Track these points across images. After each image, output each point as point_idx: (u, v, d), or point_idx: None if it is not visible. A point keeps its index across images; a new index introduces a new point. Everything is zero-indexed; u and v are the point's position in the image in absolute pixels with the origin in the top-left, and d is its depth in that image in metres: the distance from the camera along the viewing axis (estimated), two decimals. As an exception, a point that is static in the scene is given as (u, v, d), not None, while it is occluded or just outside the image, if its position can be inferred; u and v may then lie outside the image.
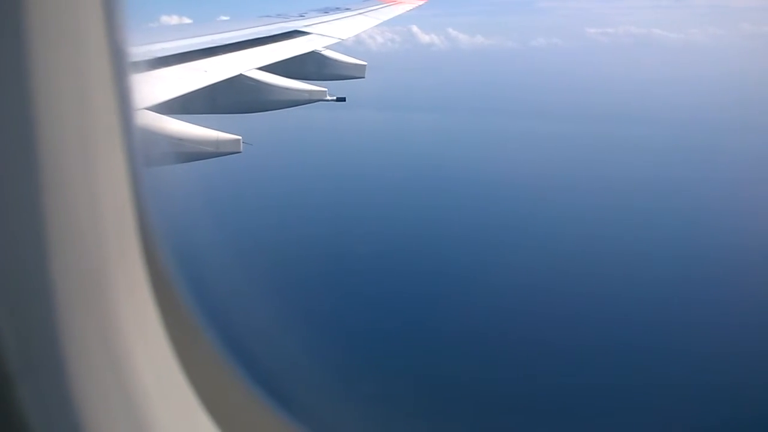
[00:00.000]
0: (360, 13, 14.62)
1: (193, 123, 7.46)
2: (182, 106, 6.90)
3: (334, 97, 10.24)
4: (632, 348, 23.93)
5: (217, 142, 7.61)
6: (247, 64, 8.93)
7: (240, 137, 7.81)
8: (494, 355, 23.19)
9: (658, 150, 61.83)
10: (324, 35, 11.66)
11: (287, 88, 9.53)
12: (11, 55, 1.08)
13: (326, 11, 14.06)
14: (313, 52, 10.93)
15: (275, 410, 1.84)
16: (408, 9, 16.95)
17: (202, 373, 1.58)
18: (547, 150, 62.38)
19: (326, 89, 10.08)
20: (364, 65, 12.14)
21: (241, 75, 8.52)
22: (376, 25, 14.72)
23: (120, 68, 1.27)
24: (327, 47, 11.46)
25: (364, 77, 12.13)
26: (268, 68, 9.19)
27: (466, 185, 47.77)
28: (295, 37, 11.05)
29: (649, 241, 35.29)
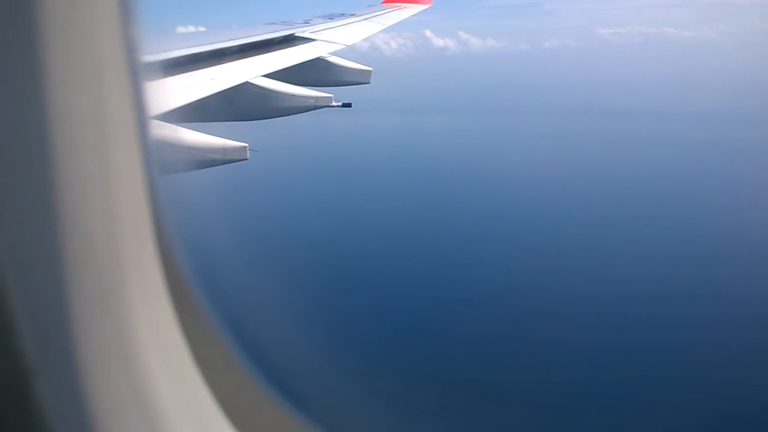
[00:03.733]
0: (365, 19, 14.64)
1: (199, 131, 7.47)
2: (188, 114, 6.91)
3: (340, 103, 10.25)
4: (643, 347, 23.91)
5: (224, 150, 7.61)
6: (253, 71, 8.95)
7: (246, 144, 7.81)
8: (503, 355, 23.21)
9: (677, 146, 62.10)
10: (329, 41, 11.67)
11: (293, 95, 9.54)
12: (30, 60, 1.10)
13: (331, 17, 14.08)
14: (318, 58, 10.94)
15: (290, 410, 1.85)
16: (412, 14, 16.98)
17: (217, 372, 1.60)
18: (569, 150, 62.67)
19: (332, 95, 10.09)
20: (370, 71, 12.15)
21: (247, 82, 8.54)
22: (385, 30, 14.78)
23: (135, 74, 1.28)
24: (333, 53, 11.48)
25: (369, 83, 12.15)
26: (273, 75, 9.20)
27: (482, 186, 47.91)
28: (301, 43, 11.07)
29: (663, 238, 35.31)
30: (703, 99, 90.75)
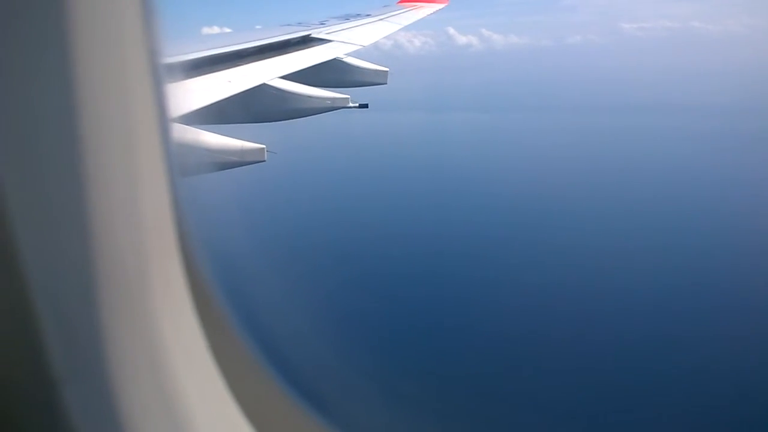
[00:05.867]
0: (380, 19, 14.62)
1: (217, 133, 7.50)
2: (206, 116, 6.93)
3: (357, 104, 10.24)
4: (643, 347, 23.77)
5: (242, 152, 7.64)
6: (270, 73, 8.97)
7: (264, 146, 7.83)
8: (512, 356, 23.16)
9: (706, 139, 61.80)
10: (345, 42, 11.67)
11: (310, 96, 9.55)
12: (57, 65, 1.10)
13: (347, 18, 14.07)
14: (334, 59, 10.95)
15: (311, 413, 1.86)
16: (429, 13, 16.94)
17: (238, 375, 1.61)
18: (599, 144, 62.52)
19: (349, 96, 10.09)
20: (386, 71, 12.13)
21: (264, 84, 8.55)
22: (404, 29, 14.83)
23: (157, 78, 1.28)
24: (350, 54, 11.47)
25: (386, 83, 12.13)
26: (290, 77, 9.22)
27: (507, 185, 47.86)
28: (317, 45, 11.08)
29: (692, 232, 35.08)
30: (735, 92, 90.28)
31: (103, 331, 1.22)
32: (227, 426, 1.57)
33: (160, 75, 1.30)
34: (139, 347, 1.29)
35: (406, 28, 15.21)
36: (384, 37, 13.57)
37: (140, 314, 1.28)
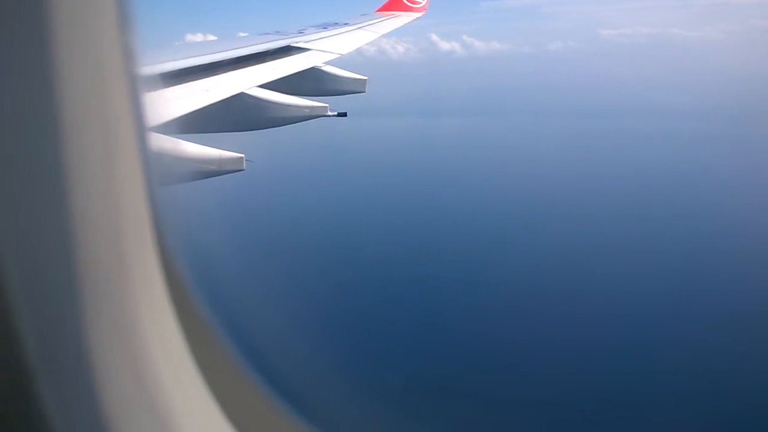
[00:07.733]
0: (359, 28, 14.66)
1: (195, 142, 7.47)
2: (184, 125, 6.91)
3: (335, 113, 10.26)
4: (640, 347, 23.92)
5: (220, 161, 7.61)
6: (248, 82, 8.95)
7: (243, 155, 7.82)
8: (501, 357, 23.20)
9: (688, 143, 62.52)
10: (324, 51, 11.69)
11: (288, 105, 9.55)
12: (38, 75, 1.12)
13: (325, 27, 14.09)
14: (313, 68, 10.96)
15: (284, 409, 1.88)
16: (406, 21, 17.03)
17: (216, 372, 1.63)
18: (585, 150, 62.94)
19: (327, 105, 10.12)
20: (365, 80, 12.18)
21: (242, 93, 8.54)
22: (388, 35, 14.94)
23: (135, 86, 1.30)
24: (329, 62, 11.49)
25: (364, 92, 12.17)
26: (268, 85, 9.21)
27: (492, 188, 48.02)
28: (295, 53, 11.08)
29: (669, 235, 35.41)
30: (711, 97, 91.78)
31: (80, 324, 1.23)
32: (205, 421, 1.59)
33: (138, 83, 1.32)
34: (115, 339, 1.30)
35: (387, 36, 15.32)
36: (365, 44, 13.63)
37: (118, 310, 1.30)
